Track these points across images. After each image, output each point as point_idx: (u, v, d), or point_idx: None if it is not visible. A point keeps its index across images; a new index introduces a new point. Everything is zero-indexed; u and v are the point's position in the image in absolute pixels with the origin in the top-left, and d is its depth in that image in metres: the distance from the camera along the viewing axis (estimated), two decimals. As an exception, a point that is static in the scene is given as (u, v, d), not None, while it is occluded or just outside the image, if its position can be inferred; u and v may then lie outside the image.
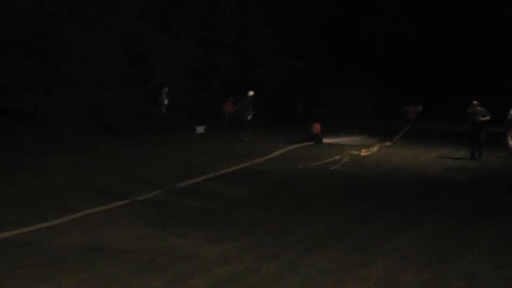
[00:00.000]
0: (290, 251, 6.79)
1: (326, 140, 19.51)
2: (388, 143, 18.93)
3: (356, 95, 29.92)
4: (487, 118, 15.35)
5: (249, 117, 20.03)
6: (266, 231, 7.79)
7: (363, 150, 16.90)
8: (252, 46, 27.28)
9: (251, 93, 20.33)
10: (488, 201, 10.13)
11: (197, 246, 6.97)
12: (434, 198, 10.30)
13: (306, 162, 14.35)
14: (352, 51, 31.57)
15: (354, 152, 16.43)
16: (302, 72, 29.01)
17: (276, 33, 28.33)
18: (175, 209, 9.11)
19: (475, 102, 15.39)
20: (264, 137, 20.23)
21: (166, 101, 22.30)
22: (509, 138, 16.87)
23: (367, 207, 9.50)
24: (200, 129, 21.58)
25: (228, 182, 11.66)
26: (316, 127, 19.59)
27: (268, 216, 8.72)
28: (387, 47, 32.81)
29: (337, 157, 15.51)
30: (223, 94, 24.55)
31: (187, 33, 24.54)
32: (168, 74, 22.83)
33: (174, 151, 16.50)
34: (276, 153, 16.25)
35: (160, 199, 9.96)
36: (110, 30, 20.73)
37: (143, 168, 13.32)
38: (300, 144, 18.56)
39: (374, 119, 28.94)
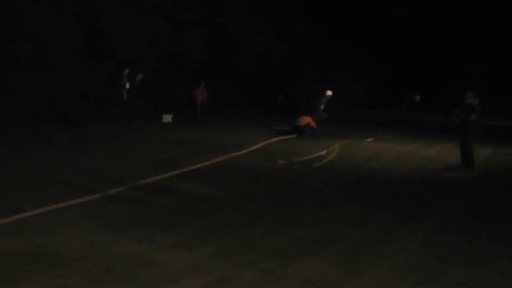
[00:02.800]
0: (270, 259, 6.76)
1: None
2: (381, 137, 19.08)
3: (345, 81, 30.05)
4: (473, 115, 13.21)
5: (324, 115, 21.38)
6: (242, 235, 7.76)
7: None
8: (227, 24, 27.14)
9: (329, 92, 21.42)
10: (493, 203, 10.23)
11: (163, 253, 6.91)
12: (432, 199, 10.36)
13: (289, 157, 14.36)
14: (341, 30, 31.59)
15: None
16: (283, 54, 28.98)
17: (254, 9, 28.22)
18: (138, 210, 9.04)
19: (470, 94, 13.48)
20: (241, 128, 20.22)
21: (128, 85, 22.11)
22: None
23: (357, 209, 9.51)
24: (168, 118, 21.52)
25: (200, 179, 11.60)
26: (303, 120, 19.67)
27: (244, 218, 8.70)
28: (380, 27, 32.92)
29: (323, 152, 15.58)
30: (194, 78, 24.43)
31: (153, 8, 24.31)
32: (130, 54, 22.60)
33: (137, 142, 16.38)
34: (254, 147, 16.25)
35: (121, 197, 9.87)
36: (64, 2, 20.41)
37: (102, 162, 13.22)
38: (283, 137, 18.57)
39: (365, 107, 29.13)
